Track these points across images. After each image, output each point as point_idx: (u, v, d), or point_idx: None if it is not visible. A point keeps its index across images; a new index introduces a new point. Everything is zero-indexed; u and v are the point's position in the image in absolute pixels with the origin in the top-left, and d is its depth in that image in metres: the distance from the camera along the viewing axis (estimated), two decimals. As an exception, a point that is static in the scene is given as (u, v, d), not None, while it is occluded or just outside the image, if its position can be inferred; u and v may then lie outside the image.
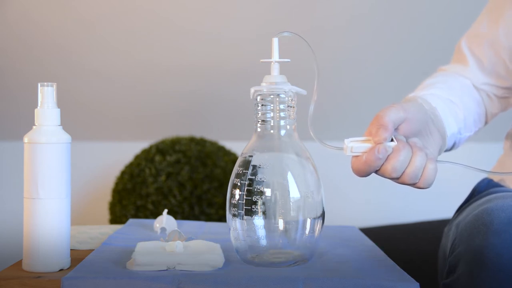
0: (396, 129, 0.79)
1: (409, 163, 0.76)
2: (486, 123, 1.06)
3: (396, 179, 0.77)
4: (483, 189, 0.99)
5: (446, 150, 0.96)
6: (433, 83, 1.00)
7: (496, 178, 1.03)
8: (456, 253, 0.80)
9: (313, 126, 0.80)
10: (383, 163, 0.76)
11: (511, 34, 1.01)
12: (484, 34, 1.04)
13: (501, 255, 0.73)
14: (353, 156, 0.77)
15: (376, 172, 0.77)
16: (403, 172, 0.76)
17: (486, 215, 0.78)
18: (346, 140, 0.77)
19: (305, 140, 0.86)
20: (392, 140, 0.77)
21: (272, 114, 0.82)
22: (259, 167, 0.80)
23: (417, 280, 0.75)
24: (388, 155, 0.75)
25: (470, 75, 1.04)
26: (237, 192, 0.80)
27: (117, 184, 1.69)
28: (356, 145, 0.77)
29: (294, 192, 0.80)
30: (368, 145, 0.76)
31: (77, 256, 0.85)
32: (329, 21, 1.73)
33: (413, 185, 0.78)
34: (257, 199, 0.79)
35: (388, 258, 0.86)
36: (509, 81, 1.03)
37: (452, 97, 0.97)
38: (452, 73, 1.05)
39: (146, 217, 1.59)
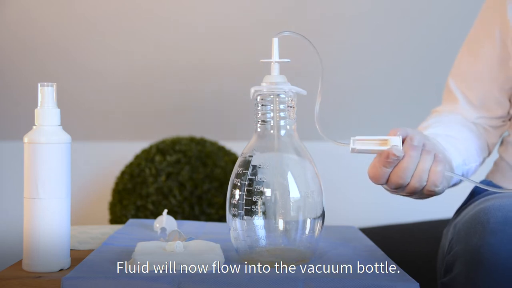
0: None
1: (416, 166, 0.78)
2: (489, 152, 1.08)
3: (406, 187, 0.80)
4: (482, 190, 1.00)
5: (455, 184, 0.97)
6: (429, 125, 1.03)
7: (495, 180, 1.04)
8: (454, 252, 0.80)
9: (320, 125, 0.81)
10: (393, 170, 0.78)
11: (493, 66, 1.04)
12: (467, 70, 1.06)
13: (497, 254, 0.73)
14: (370, 165, 0.80)
15: (387, 182, 0.80)
16: (412, 176, 0.78)
17: (483, 214, 0.79)
18: (352, 138, 0.79)
19: (305, 140, 0.86)
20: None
21: (272, 114, 0.82)
22: (259, 167, 0.80)
23: (417, 280, 0.75)
24: (399, 162, 0.78)
25: (463, 112, 1.07)
26: (237, 192, 0.80)
27: (117, 184, 1.69)
28: (360, 144, 0.79)
29: (294, 192, 0.80)
30: (372, 146, 0.78)
31: (77, 256, 0.85)
32: (329, 21, 1.73)
33: (422, 190, 0.80)
34: (257, 199, 0.79)
35: (388, 258, 0.86)
36: (500, 110, 1.06)
37: (450, 132, 1.00)
38: (445, 112, 1.08)
39: (146, 217, 1.59)
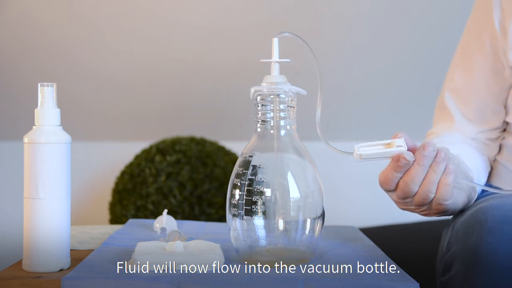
0: None
1: (425, 176, 0.79)
2: (491, 166, 1.08)
3: (414, 197, 0.80)
4: (482, 191, 1.00)
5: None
6: None
7: (492, 183, 1.05)
8: (452, 252, 0.80)
9: (321, 131, 0.82)
10: (402, 176, 0.79)
11: (488, 78, 1.03)
12: (463, 86, 1.06)
13: (495, 253, 0.73)
14: (382, 171, 0.80)
15: (396, 189, 0.80)
16: (420, 186, 0.79)
17: (481, 213, 0.79)
18: (355, 146, 0.79)
19: (305, 140, 0.86)
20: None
21: (272, 114, 0.82)
22: (259, 167, 0.80)
23: (417, 280, 0.75)
24: (408, 169, 0.79)
25: (461, 130, 1.07)
26: (237, 192, 0.80)
27: (117, 184, 1.69)
28: (365, 150, 0.79)
29: (294, 192, 0.80)
30: (378, 150, 0.78)
31: (77, 256, 0.85)
32: (329, 21, 1.73)
33: (431, 203, 0.81)
34: (257, 199, 0.79)
35: (388, 258, 0.86)
36: (497, 120, 1.05)
37: (458, 150, 0.99)
38: (444, 132, 1.07)
39: (146, 217, 1.59)
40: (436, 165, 0.78)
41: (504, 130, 1.07)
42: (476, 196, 0.93)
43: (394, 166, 0.78)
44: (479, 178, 1.00)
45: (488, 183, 1.06)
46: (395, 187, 0.80)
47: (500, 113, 1.05)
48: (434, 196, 0.80)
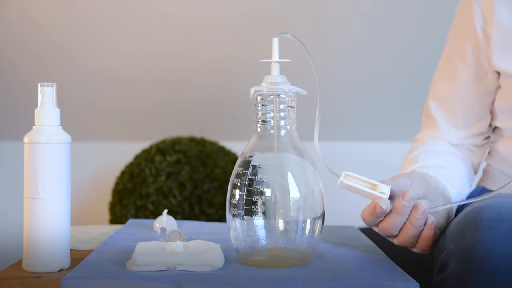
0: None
1: (403, 226, 0.81)
2: (476, 173, 1.10)
3: (395, 241, 0.83)
4: (478, 193, 1.01)
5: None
6: (416, 156, 1.04)
7: (487, 186, 1.05)
8: (447, 251, 0.80)
9: (319, 135, 0.83)
10: (382, 220, 0.81)
11: (471, 85, 1.05)
12: (447, 94, 1.07)
13: (490, 252, 0.73)
14: (366, 207, 0.82)
15: (378, 226, 0.82)
16: (400, 232, 0.82)
17: (476, 212, 0.79)
18: (344, 172, 0.81)
19: (305, 140, 0.86)
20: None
21: (272, 114, 0.82)
22: (259, 167, 0.80)
23: (417, 280, 0.75)
24: (388, 215, 0.81)
25: (446, 136, 1.08)
26: (237, 192, 0.80)
27: (117, 184, 1.69)
28: (349, 181, 0.80)
29: (294, 192, 0.80)
30: (360, 187, 0.80)
31: (77, 256, 0.85)
32: (329, 21, 1.73)
33: (412, 248, 0.84)
34: (257, 199, 0.79)
35: (388, 258, 0.86)
36: (482, 125, 1.07)
37: (441, 162, 1.01)
38: (429, 139, 1.08)
39: (146, 217, 1.59)
40: (416, 221, 0.80)
41: (489, 137, 1.08)
42: (455, 211, 0.95)
43: (371, 211, 0.80)
44: (462, 190, 1.01)
45: (482, 186, 1.06)
46: (376, 225, 0.83)
47: (485, 118, 1.06)
48: (415, 247, 0.83)
